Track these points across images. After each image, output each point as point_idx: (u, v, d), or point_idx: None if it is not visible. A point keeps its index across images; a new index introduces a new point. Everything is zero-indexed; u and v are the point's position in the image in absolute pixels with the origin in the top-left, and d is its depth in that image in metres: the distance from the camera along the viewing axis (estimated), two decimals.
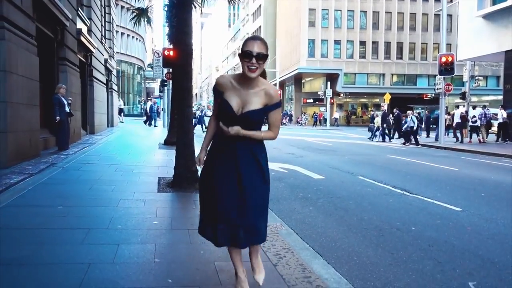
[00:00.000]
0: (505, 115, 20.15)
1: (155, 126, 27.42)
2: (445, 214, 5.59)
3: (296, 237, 4.30)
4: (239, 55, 2.56)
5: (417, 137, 19.40)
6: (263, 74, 2.70)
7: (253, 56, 2.49)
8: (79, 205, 5.06)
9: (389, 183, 7.97)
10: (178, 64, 6.53)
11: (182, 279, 2.99)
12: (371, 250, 4.11)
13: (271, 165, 9.94)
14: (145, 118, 30.25)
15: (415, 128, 19.22)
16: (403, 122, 20.04)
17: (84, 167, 8.03)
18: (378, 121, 22.43)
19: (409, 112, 20.22)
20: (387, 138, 21.83)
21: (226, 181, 2.62)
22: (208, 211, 2.70)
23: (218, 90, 2.68)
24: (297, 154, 13.19)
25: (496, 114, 21.43)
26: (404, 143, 19.42)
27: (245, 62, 2.52)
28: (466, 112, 22.24)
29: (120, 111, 30.94)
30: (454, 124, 20.86)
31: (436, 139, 20.58)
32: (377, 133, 22.34)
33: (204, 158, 2.77)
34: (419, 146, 18.64)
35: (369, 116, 36.45)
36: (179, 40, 6.54)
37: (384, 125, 21.64)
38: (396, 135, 22.85)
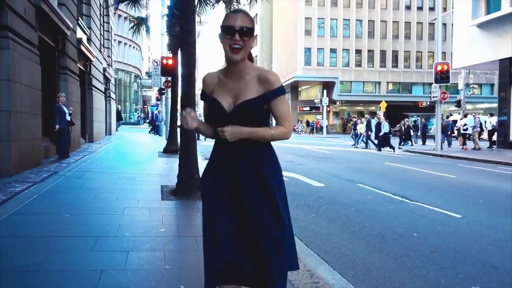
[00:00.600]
0: (494, 122, 20.72)
1: (160, 135, 27.18)
2: (446, 221, 5.68)
3: (301, 244, 4.37)
4: (219, 34, 2.05)
5: (390, 142, 20.06)
6: (250, 59, 2.16)
7: (235, 31, 1.97)
8: (86, 213, 5.11)
9: (389, 190, 8.07)
10: (182, 73, 6.63)
11: (194, 285, 3.05)
12: (375, 256, 4.19)
13: None
14: (147, 126, 30.27)
15: (380, 134, 19.87)
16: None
17: (87, 176, 8.08)
18: (361, 127, 22.82)
19: (382, 118, 20.73)
20: (371, 145, 22.10)
21: (225, 215, 2.10)
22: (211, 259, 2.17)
23: (205, 92, 2.19)
24: (296, 162, 13.28)
25: (485, 122, 22.09)
26: (379, 150, 19.95)
27: (226, 40, 2.00)
28: (451, 121, 22.88)
29: (119, 117, 30.97)
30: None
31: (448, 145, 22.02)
32: (360, 139, 22.79)
33: (196, 124, 2.12)
34: (381, 151, 19.54)
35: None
36: (182, 49, 6.65)
37: (369, 132, 21.93)
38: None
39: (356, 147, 22.52)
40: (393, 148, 19.63)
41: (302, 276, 3.34)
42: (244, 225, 2.08)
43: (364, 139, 22.40)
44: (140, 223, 4.70)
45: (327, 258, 4.06)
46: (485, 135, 23.30)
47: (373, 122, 21.65)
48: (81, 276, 3.09)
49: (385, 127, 19.80)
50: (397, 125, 23.00)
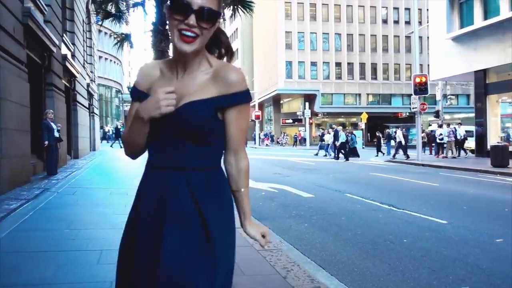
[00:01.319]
0: (464, 132, 21.83)
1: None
2: (433, 227, 5.95)
3: (297, 252, 4.55)
4: (166, 6, 1.38)
5: (344, 152, 21.15)
6: (231, 54, 1.57)
7: (192, 11, 1.33)
8: (85, 228, 5.18)
9: (376, 199, 8.33)
10: None
11: None
12: (369, 262, 4.39)
13: (261, 185, 10.29)
14: None
15: (338, 144, 21.00)
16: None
17: (79, 192, 8.10)
18: (328, 137, 23.69)
19: (339, 127, 21.48)
20: (333, 154, 23.01)
21: (145, 249, 1.42)
22: None
23: (139, 89, 1.52)
24: (283, 174, 13.48)
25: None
26: (336, 158, 21.15)
27: (175, 21, 1.35)
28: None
29: (118, 134, 30.67)
30: (398, 143, 21.91)
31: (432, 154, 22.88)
32: (329, 150, 23.66)
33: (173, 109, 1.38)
34: (348, 161, 20.54)
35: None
36: None
37: (336, 143, 22.56)
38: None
39: (334, 157, 22.89)
40: (345, 157, 20.93)
41: (303, 282, 3.51)
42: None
43: (329, 149, 23.47)
44: None
45: (324, 265, 4.24)
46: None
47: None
48: None
49: (342, 137, 20.70)
50: (395, 136, 23.76)
